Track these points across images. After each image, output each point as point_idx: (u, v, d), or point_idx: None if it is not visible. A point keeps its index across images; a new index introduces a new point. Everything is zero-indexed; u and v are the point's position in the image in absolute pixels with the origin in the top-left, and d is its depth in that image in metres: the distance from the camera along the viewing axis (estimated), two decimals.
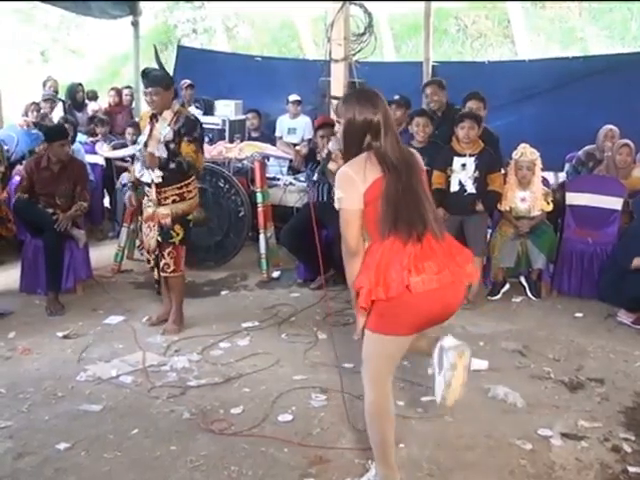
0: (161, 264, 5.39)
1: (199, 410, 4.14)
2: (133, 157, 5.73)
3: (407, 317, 3.06)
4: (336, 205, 3.12)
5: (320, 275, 6.65)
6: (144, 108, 12.17)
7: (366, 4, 7.25)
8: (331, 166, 3.29)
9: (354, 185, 3.05)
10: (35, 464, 3.57)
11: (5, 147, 7.51)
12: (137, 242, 6.37)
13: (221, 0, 18.43)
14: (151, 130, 5.24)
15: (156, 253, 5.41)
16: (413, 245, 3.01)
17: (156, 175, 5.18)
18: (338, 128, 3.21)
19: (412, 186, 3.09)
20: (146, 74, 5.14)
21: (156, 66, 5.30)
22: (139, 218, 5.69)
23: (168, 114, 5.22)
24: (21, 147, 7.53)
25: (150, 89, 5.12)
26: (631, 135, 7.32)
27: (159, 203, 5.26)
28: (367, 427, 3.29)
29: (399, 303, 2.99)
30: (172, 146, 5.19)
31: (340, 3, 6.97)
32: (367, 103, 3.11)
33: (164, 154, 5.15)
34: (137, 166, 5.32)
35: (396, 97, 7.65)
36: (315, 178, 2.94)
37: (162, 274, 5.44)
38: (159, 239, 5.32)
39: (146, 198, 5.39)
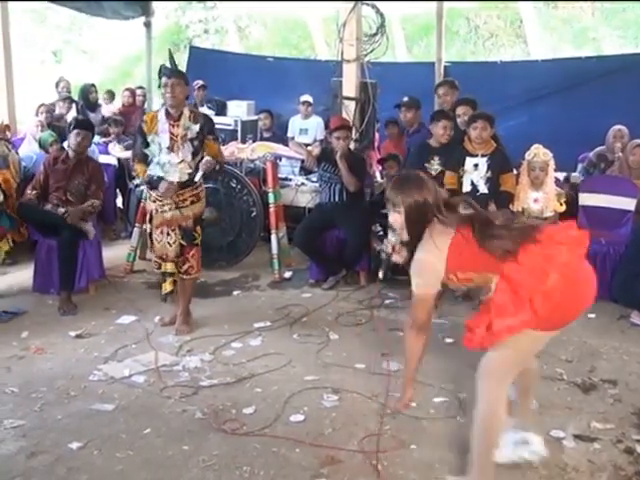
0: (185, 267, 5.34)
1: (211, 410, 4.15)
2: (135, 157, 5.46)
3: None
4: (414, 290, 3.23)
5: (332, 275, 6.67)
6: (157, 108, 12.26)
7: (378, 4, 7.25)
8: (397, 259, 3.33)
9: (436, 270, 3.16)
10: (48, 463, 3.58)
11: (23, 164, 7.63)
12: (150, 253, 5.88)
13: (233, 0, 18.44)
14: (170, 130, 5.13)
15: (179, 258, 5.33)
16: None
17: (184, 177, 5.18)
18: (395, 219, 3.25)
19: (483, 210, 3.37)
20: (166, 67, 5.10)
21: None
22: (148, 225, 5.46)
23: (187, 111, 5.18)
24: (38, 166, 7.61)
25: (173, 79, 5.03)
26: None
27: (177, 206, 5.21)
28: (476, 437, 3.30)
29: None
30: (196, 144, 5.18)
31: (352, 3, 6.98)
32: (418, 186, 3.23)
33: (190, 153, 5.14)
34: (156, 168, 5.16)
35: (405, 99, 7.66)
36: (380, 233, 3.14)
37: (185, 277, 5.38)
38: (183, 242, 5.27)
39: (157, 203, 5.25)
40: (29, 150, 8.07)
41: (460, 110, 6.70)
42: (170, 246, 5.28)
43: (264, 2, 16.96)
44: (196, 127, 5.14)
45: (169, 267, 5.35)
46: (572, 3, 16.82)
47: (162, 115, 5.16)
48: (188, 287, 5.47)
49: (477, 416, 3.28)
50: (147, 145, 5.19)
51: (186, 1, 19.85)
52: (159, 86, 5.15)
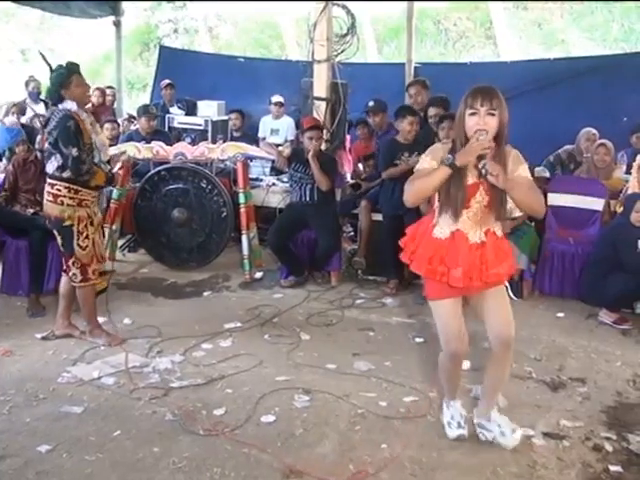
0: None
1: (182, 411, 4.13)
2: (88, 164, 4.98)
3: None
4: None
5: (294, 276, 6.70)
6: (126, 108, 12.21)
7: (349, 4, 7.27)
8: (493, 170, 3.37)
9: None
10: (17, 467, 3.55)
11: None
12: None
13: (203, 0, 18.35)
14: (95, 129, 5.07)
15: None
16: None
17: None
18: (490, 123, 3.36)
19: None
20: (74, 63, 4.98)
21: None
22: (90, 230, 5.06)
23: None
24: (1, 144, 7.48)
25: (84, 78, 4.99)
26: (610, 135, 7.41)
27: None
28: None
29: None
30: None
31: (323, 4, 6.98)
32: None
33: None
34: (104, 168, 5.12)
35: (371, 103, 7.69)
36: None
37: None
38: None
39: (93, 206, 5.10)
40: None
41: (432, 111, 6.78)
42: (103, 244, 5.37)
43: (235, 2, 16.88)
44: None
45: (107, 264, 5.47)
46: (540, 4, 16.94)
47: (85, 116, 4.98)
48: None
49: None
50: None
51: (156, 1, 19.72)
52: (58, 86, 4.89)
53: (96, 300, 5.33)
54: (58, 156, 4.90)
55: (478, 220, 3.52)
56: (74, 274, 5.07)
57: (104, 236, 5.34)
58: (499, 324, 3.64)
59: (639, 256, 5.65)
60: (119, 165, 5.86)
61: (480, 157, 3.32)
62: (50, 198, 4.99)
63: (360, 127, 8.62)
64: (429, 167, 3.47)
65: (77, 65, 5.00)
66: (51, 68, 4.96)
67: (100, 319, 5.60)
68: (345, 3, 7.28)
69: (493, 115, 3.35)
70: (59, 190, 4.94)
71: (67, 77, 4.87)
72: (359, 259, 6.97)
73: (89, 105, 10.91)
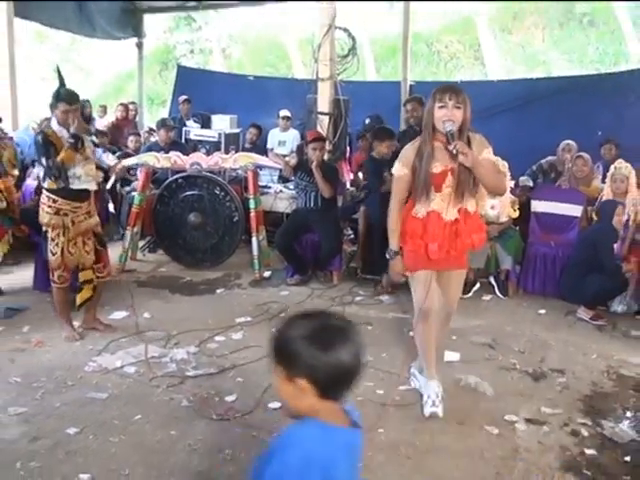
0: (105, 271, 5.22)
1: (196, 398, 4.14)
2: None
3: None
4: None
5: (299, 275, 6.69)
6: (147, 122, 12.24)
7: (350, 26, 7.30)
8: (462, 149, 3.58)
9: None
10: (48, 447, 3.56)
11: (19, 149, 7.45)
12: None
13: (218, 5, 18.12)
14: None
15: (97, 264, 5.16)
16: None
17: (95, 186, 5.11)
18: (457, 115, 3.61)
19: None
20: (67, 93, 4.85)
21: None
22: (61, 239, 4.94)
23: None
24: (31, 150, 7.41)
25: (74, 106, 4.84)
26: (587, 148, 7.44)
27: (89, 214, 5.06)
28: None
29: None
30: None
31: (326, 28, 7.01)
32: None
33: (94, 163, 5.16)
34: (74, 182, 4.89)
35: (367, 120, 7.70)
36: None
37: (99, 275, 5.18)
38: (100, 247, 5.15)
39: (72, 214, 4.92)
40: (24, 134, 7.82)
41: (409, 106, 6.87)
42: (88, 254, 5.09)
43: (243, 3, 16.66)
44: (90, 138, 5.09)
45: (89, 275, 5.16)
46: (525, 27, 16.95)
47: (65, 133, 4.84)
48: (102, 287, 5.34)
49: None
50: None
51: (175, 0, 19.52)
52: (50, 105, 4.87)
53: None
54: (40, 167, 4.97)
55: (450, 201, 3.78)
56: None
57: (100, 245, 5.15)
58: (452, 302, 4.09)
59: (615, 258, 5.67)
60: (113, 180, 5.76)
61: (449, 139, 3.59)
62: (40, 204, 5.02)
63: (361, 139, 8.64)
64: (402, 174, 3.81)
65: (70, 95, 4.86)
66: (62, 83, 4.93)
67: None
68: (347, 26, 7.32)
69: (459, 109, 3.60)
70: (43, 198, 4.94)
71: (55, 102, 4.84)
72: (354, 265, 6.97)
73: (110, 120, 11.07)
